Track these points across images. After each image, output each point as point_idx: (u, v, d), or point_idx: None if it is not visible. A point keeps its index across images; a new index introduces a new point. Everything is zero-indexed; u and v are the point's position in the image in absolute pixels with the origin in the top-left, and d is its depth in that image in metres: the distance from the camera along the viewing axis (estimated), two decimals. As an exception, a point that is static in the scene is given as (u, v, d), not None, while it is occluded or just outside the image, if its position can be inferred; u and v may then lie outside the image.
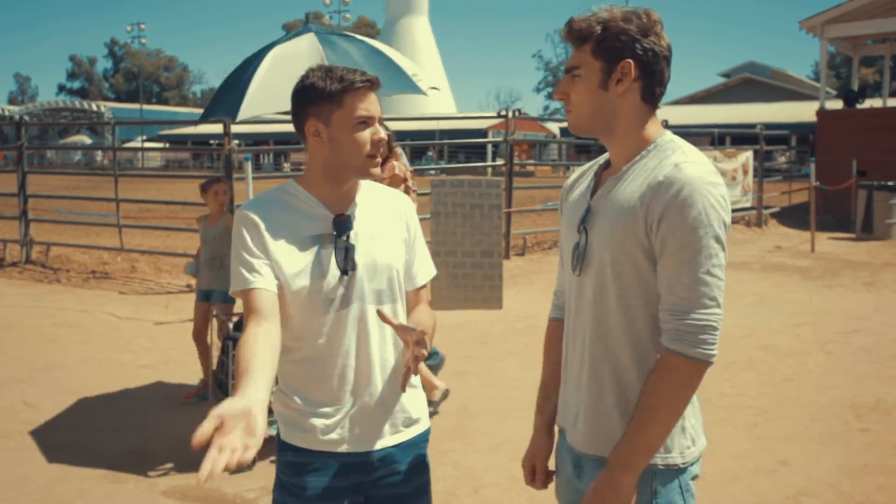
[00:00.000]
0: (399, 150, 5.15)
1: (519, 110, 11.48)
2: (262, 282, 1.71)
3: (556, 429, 1.82)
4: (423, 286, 1.92)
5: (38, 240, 10.39)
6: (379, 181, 1.96)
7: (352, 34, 5.29)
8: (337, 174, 1.78)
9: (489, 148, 31.60)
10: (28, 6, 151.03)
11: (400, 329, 1.69)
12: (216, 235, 5.02)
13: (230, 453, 1.34)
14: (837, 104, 17.83)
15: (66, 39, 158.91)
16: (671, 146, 1.57)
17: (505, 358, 6.00)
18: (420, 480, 1.89)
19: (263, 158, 40.95)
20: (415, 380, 1.89)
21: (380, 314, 1.70)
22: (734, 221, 13.30)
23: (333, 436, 1.77)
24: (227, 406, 1.41)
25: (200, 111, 9.26)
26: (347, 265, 1.75)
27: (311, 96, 1.74)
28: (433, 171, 20.74)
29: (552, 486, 1.85)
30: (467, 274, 7.92)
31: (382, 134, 1.78)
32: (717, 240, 1.48)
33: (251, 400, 1.45)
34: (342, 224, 1.77)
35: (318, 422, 1.77)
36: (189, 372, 5.49)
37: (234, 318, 4.56)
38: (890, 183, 13.23)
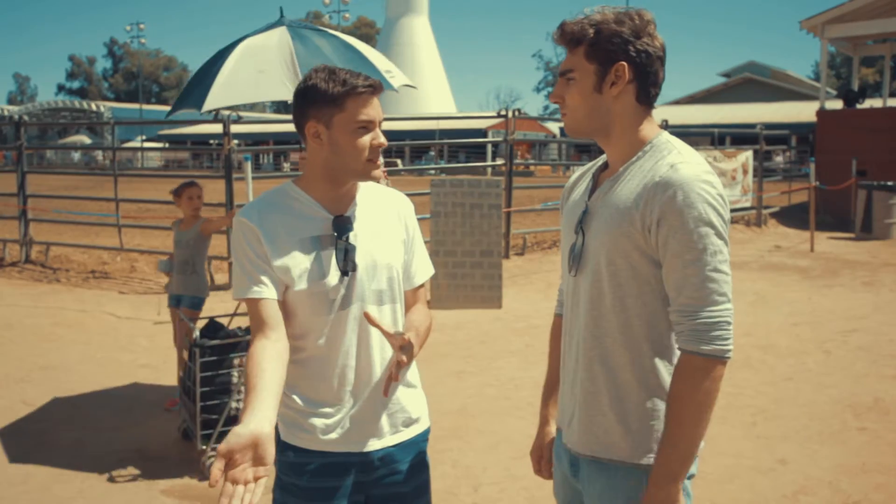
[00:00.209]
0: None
1: (519, 110, 11.46)
2: (267, 291, 1.72)
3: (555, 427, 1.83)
4: (421, 286, 1.93)
5: (37, 240, 10.39)
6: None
7: (326, 29, 5.24)
8: (336, 176, 1.78)
9: (489, 148, 31.60)
10: (27, 6, 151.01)
11: (386, 332, 1.70)
12: (189, 241, 4.93)
13: (242, 489, 1.40)
14: (837, 104, 17.83)
15: (65, 39, 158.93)
16: (667, 147, 1.58)
17: (504, 357, 6.01)
18: (420, 479, 1.89)
19: (263, 158, 40.96)
20: (414, 380, 1.90)
21: (367, 317, 1.70)
22: (734, 221, 13.31)
23: (334, 436, 1.77)
24: (234, 440, 1.44)
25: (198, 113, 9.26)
26: (348, 266, 1.76)
27: (312, 98, 1.73)
28: (433, 171, 20.73)
29: (550, 483, 1.86)
30: (467, 273, 7.93)
31: (383, 139, 1.78)
32: (720, 236, 1.49)
33: (258, 425, 1.47)
34: (342, 225, 1.77)
35: (319, 422, 1.77)
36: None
37: (199, 325, 4.40)
38: (889, 183, 13.24)
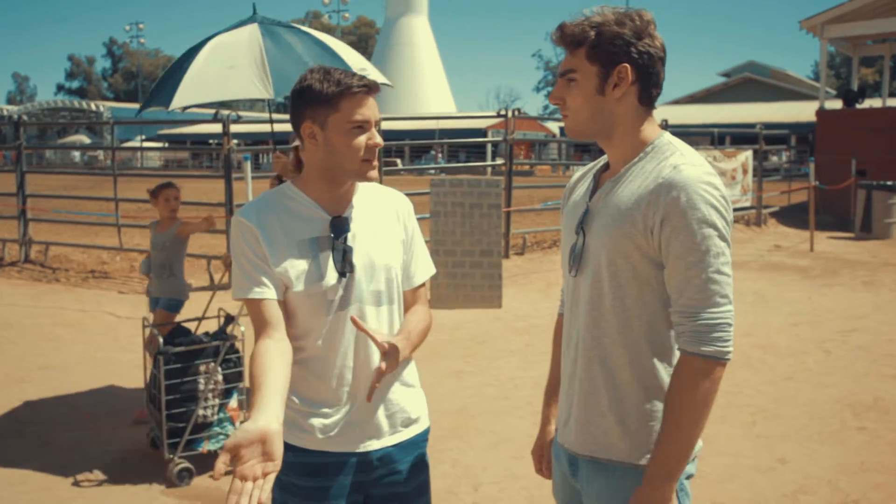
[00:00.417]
0: None
1: (518, 110, 11.46)
2: (269, 292, 1.72)
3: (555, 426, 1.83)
4: (422, 286, 1.92)
5: (36, 239, 10.39)
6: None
7: (299, 27, 5.18)
8: (333, 176, 1.78)
9: (489, 147, 31.60)
10: (27, 6, 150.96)
11: (373, 337, 1.70)
12: (166, 243, 4.84)
13: (251, 486, 1.40)
14: (837, 104, 17.82)
15: (64, 39, 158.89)
16: (669, 148, 1.58)
17: (504, 357, 6.01)
18: (420, 479, 1.89)
19: (262, 158, 40.92)
20: (413, 379, 1.90)
21: (353, 322, 1.70)
22: (733, 221, 13.28)
23: (333, 436, 1.77)
24: (241, 434, 1.43)
25: (200, 111, 9.28)
26: (345, 267, 1.75)
27: (307, 98, 1.73)
28: (432, 171, 20.72)
29: (550, 484, 1.86)
30: (466, 273, 7.92)
31: (379, 139, 1.78)
32: (722, 238, 1.49)
33: (267, 422, 1.47)
34: (339, 226, 1.77)
35: (318, 422, 1.77)
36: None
37: (161, 332, 4.15)
38: (889, 182, 13.23)
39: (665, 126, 11.00)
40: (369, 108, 1.75)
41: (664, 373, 1.57)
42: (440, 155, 35.30)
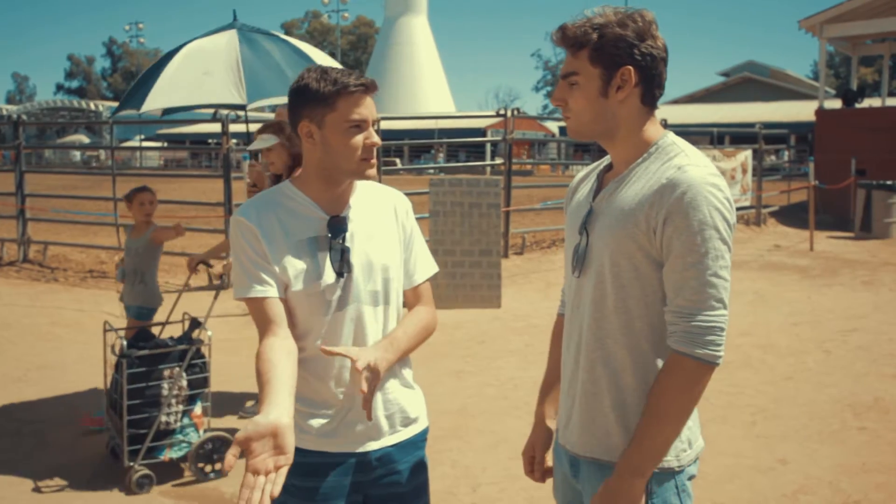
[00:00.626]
0: None
1: (518, 109, 11.46)
2: (271, 290, 1.71)
3: (554, 427, 1.82)
4: (423, 284, 1.91)
5: (35, 239, 10.38)
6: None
7: (279, 34, 5.18)
8: (330, 176, 1.77)
9: (488, 147, 31.59)
10: (26, 6, 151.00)
11: (349, 357, 1.66)
12: (139, 249, 4.72)
13: (264, 479, 1.39)
14: (836, 104, 17.83)
15: (64, 39, 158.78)
16: (673, 148, 1.57)
17: (503, 357, 6.00)
18: (419, 479, 1.89)
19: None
20: (410, 379, 1.89)
21: (322, 350, 1.67)
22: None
23: (332, 436, 1.77)
24: (252, 428, 1.43)
25: (200, 111, 9.27)
26: (343, 267, 1.75)
27: (304, 97, 1.72)
28: (432, 171, 20.72)
29: (550, 483, 1.85)
30: (466, 273, 7.92)
31: (376, 138, 1.77)
32: (723, 241, 1.49)
33: (278, 415, 1.47)
34: (337, 226, 1.76)
35: (316, 422, 1.77)
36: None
37: (123, 336, 3.99)
38: (888, 182, 13.23)
39: (664, 126, 10.95)
40: (367, 108, 1.74)
41: None
42: (441, 154, 35.31)
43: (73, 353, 6.14)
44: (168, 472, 3.83)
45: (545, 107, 77.62)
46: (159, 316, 4.70)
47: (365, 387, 1.61)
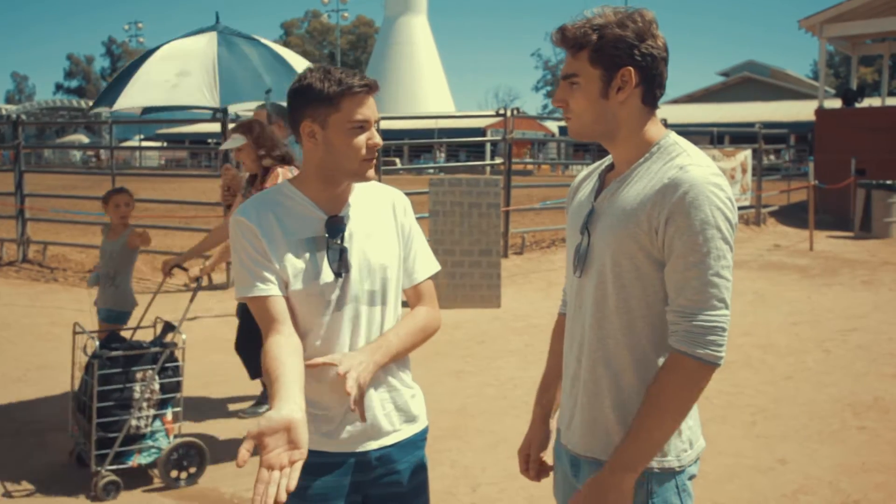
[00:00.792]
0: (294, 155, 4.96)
1: (518, 109, 11.46)
2: (273, 288, 1.71)
3: (555, 426, 1.82)
4: (424, 283, 1.91)
5: (35, 239, 10.37)
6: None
7: (259, 38, 5.07)
8: (331, 176, 1.77)
9: (487, 147, 31.59)
10: (25, 6, 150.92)
11: (334, 365, 1.66)
12: (114, 252, 4.64)
13: (279, 475, 1.38)
14: (836, 103, 17.84)
15: (63, 38, 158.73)
16: (675, 148, 1.57)
17: (503, 357, 6.00)
18: (418, 479, 1.89)
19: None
20: (410, 379, 1.89)
21: (307, 364, 1.67)
22: (732, 220, 13.26)
23: (331, 436, 1.77)
24: (265, 423, 1.43)
25: (200, 111, 9.28)
26: (341, 267, 1.75)
27: (308, 97, 1.71)
28: (431, 170, 20.71)
29: (550, 483, 1.84)
30: (465, 273, 7.91)
31: (379, 139, 1.77)
32: (725, 241, 1.49)
33: (290, 410, 1.47)
34: (335, 226, 1.76)
35: (316, 422, 1.76)
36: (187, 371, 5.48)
37: (98, 337, 3.88)
38: (888, 182, 13.23)
39: (664, 125, 10.95)
40: (369, 108, 1.74)
41: None
42: (442, 154, 35.32)
43: (73, 353, 6.14)
44: (136, 479, 3.73)
45: (545, 106, 77.61)
46: (133, 320, 4.60)
47: (353, 390, 1.61)
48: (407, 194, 1.98)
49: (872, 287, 8.71)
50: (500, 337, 6.63)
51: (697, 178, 1.48)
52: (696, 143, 1.64)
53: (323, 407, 1.76)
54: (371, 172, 1.78)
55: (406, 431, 1.85)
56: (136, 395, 3.67)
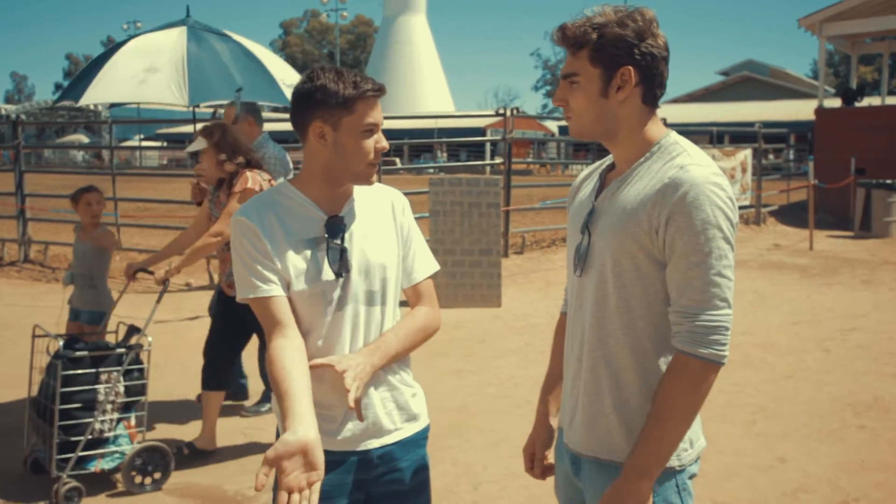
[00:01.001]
0: (267, 159, 4.80)
1: (517, 108, 11.47)
2: (276, 289, 1.72)
3: (557, 425, 1.83)
4: (423, 282, 1.92)
5: (36, 239, 10.38)
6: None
7: (230, 34, 4.96)
8: (336, 177, 1.78)
9: (487, 146, 31.59)
10: (25, 5, 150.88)
11: (333, 367, 1.67)
12: (87, 252, 4.55)
13: (298, 497, 1.41)
14: (836, 102, 17.85)
15: (62, 38, 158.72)
16: (676, 148, 1.57)
17: (504, 356, 6.01)
18: (420, 477, 1.90)
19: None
20: (410, 378, 1.90)
21: (311, 365, 1.68)
22: (732, 219, 13.26)
23: (333, 434, 1.77)
24: (282, 447, 1.44)
25: (199, 111, 9.28)
26: (342, 267, 1.75)
27: (320, 98, 1.71)
28: (431, 170, 20.72)
29: (551, 482, 1.85)
30: (466, 272, 7.92)
31: (385, 142, 1.78)
32: (726, 240, 1.49)
33: (305, 431, 1.49)
34: (335, 226, 1.77)
35: (319, 421, 1.77)
36: (188, 370, 5.48)
37: (62, 339, 3.77)
38: (888, 181, 13.24)
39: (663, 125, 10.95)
40: (379, 112, 1.76)
41: None
42: (444, 154, 35.32)
43: (74, 353, 6.14)
44: (99, 485, 3.63)
45: (545, 106, 77.60)
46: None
47: (351, 389, 1.62)
48: (407, 194, 1.99)
49: (872, 286, 8.72)
50: (500, 336, 6.64)
51: (698, 178, 1.48)
52: (695, 142, 1.65)
53: (325, 406, 1.77)
54: (374, 177, 1.80)
55: (407, 430, 1.86)
56: (101, 398, 3.55)
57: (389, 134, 1.92)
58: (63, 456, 3.46)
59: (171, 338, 6.57)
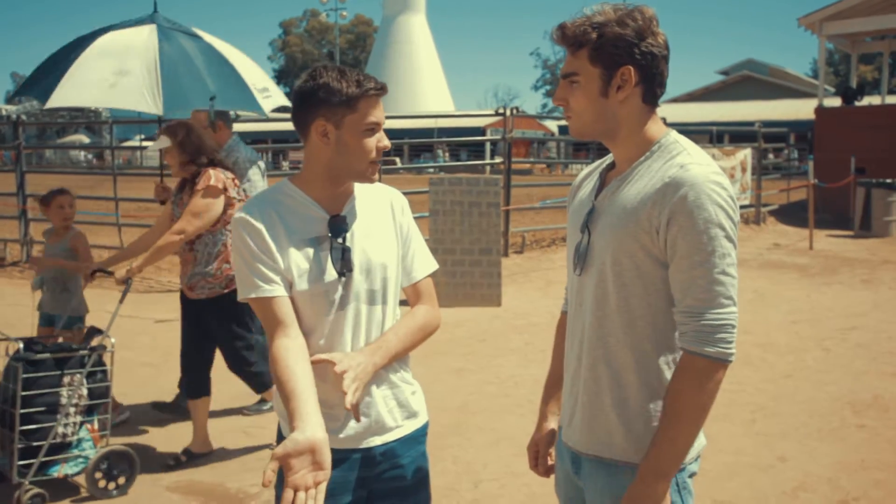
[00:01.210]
0: (239, 158, 4.71)
1: (517, 108, 11.48)
2: (278, 288, 1.72)
3: (558, 424, 1.83)
4: (423, 282, 1.92)
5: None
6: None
7: (199, 33, 4.75)
8: (338, 176, 1.78)
9: (487, 146, 31.58)
10: (25, 5, 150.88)
11: (332, 363, 1.68)
12: (59, 255, 4.46)
13: (304, 496, 1.42)
14: (836, 102, 17.84)
15: (62, 38, 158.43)
16: (676, 147, 1.57)
17: (504, 355, 6.02)
18: (420, 474, 1.91)
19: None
20: (409, 376, 1.91)
21: (313, 360, 1.69)
22: (732, 219, 13.26)
23: (337, 432, 1.78)
24: (291, 445, 1.45)
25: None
26: (344, 267, 1.76)
27: (324, 97, 1.71)
28: (431, 170, 20.73)
29: (551, 481, 1.86)
30: (466, 272, 7.93)
31: (387, 142, 1.79)
32: (729, 239, 1.49)
33: (313, 431, 1.50)
34: (338, 226, 1.78)
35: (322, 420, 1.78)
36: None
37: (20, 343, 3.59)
38: (888, 180, 13.24)
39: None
40: (381, 111, 1.77)
41: (668, 373, 1.57)
42: (446, 154, 35.31)
43: (76, 353, 6.15)
44: (62, 491, 3.55)
45: (544, 106, 77.55)
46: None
47: (350, 390, 1.62)
48: (407, 193, 1.99)
49: (872, 286, 8.73)
50: (500, 335, 6.65)
51: (698, 177, 1.48)
52: (695, 142, 1.65)
53: (328, 405, 1.78)
54: (376, 176, 1.80)
55: (408, 427, 1.87)
56: (64, 401, 3.45)
57: (389, 134, 1.93)
58: (25, 462, 3.36)
59: (171, 338, 6.57)
